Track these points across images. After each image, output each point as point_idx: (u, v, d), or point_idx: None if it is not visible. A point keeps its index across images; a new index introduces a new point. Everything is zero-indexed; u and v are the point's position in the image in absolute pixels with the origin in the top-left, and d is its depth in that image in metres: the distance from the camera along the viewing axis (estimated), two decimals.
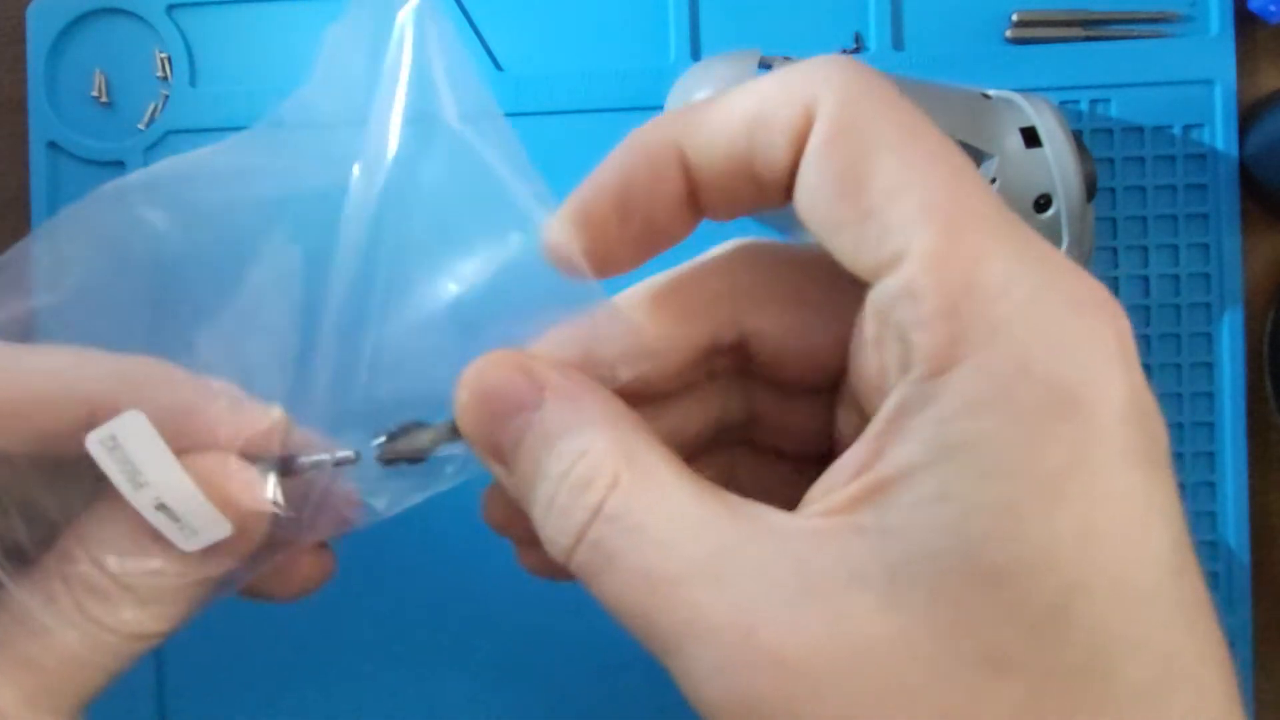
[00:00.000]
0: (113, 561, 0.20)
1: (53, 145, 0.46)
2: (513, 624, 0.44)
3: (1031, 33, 0.44)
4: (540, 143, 0.45)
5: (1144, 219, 0.43)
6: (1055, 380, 0.16)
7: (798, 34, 0.44)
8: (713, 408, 0.23)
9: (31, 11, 0.46)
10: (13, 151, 0.47)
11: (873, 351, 0.18)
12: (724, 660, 0.16)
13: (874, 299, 0.17)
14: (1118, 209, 0.43)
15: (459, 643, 0.44)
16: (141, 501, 0.19)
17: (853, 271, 0.18)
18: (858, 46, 0.44)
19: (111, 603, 0.20)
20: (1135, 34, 0.43)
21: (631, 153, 0.20)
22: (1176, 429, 0.43)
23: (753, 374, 0.22)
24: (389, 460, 0.21)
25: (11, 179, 0.47)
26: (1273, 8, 0.41)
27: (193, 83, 0.46)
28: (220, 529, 0.20)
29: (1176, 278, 0.43)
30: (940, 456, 0.16)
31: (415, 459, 0.21)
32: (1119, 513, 0.16)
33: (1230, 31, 0.43)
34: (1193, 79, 0.43)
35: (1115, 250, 0.43)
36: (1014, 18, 0.44)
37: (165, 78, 0.46)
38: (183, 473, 0.19)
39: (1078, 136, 0.43)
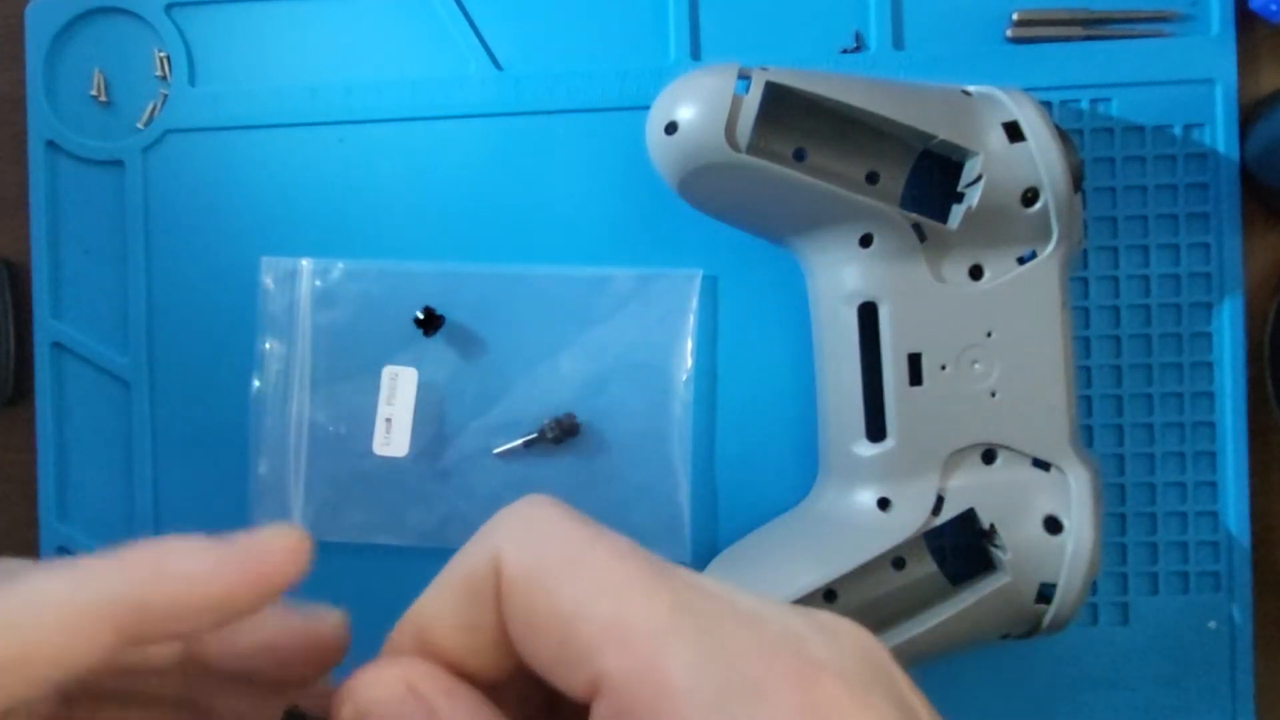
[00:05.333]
0: None
1: (51, 144, 0.46)
2: None
3: (1032, 32, 0.44)
4: (540, 143, 0.45)
5: (1145, 218, 0.43)
6: None
7: (797, 34, 0.44)
8: None
9: (30, 10, 0.46)
10: (11, 151, 0.47)
11: None
12: None
13: None
14: (1118, 208, 0.43)
15: None
16: None
17: (581, 703, 0.18)
18: (858, 46, 0.44)
19: None
20: (1136, 33, 0.43)
21: (387, 658, 0.20)
22: (1178, 429, 0.43)
23: None
24: None
25: (10, 178, 0.47)
26: (1274, 7, 0.41)
27: (192, 82, 0.46)
28: None
29: (1177, 277, 0.43)
30: None
31: None
32: None
33: (1231, 31, 0.43)
34: (1193, 78, 0.43)
35: (1116, 250, 0.43)
36: (1014, 17, 0.44)
37: (164, 77, 0.46)
38: None
39: (1067, 130, 0.43)
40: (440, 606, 0.20)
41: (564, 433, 0.43)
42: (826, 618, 0.19)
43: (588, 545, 0.19)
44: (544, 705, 0.22)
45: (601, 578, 0.18)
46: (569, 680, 0.18)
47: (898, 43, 0.44)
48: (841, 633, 0.18)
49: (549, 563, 0.19)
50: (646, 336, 0.44)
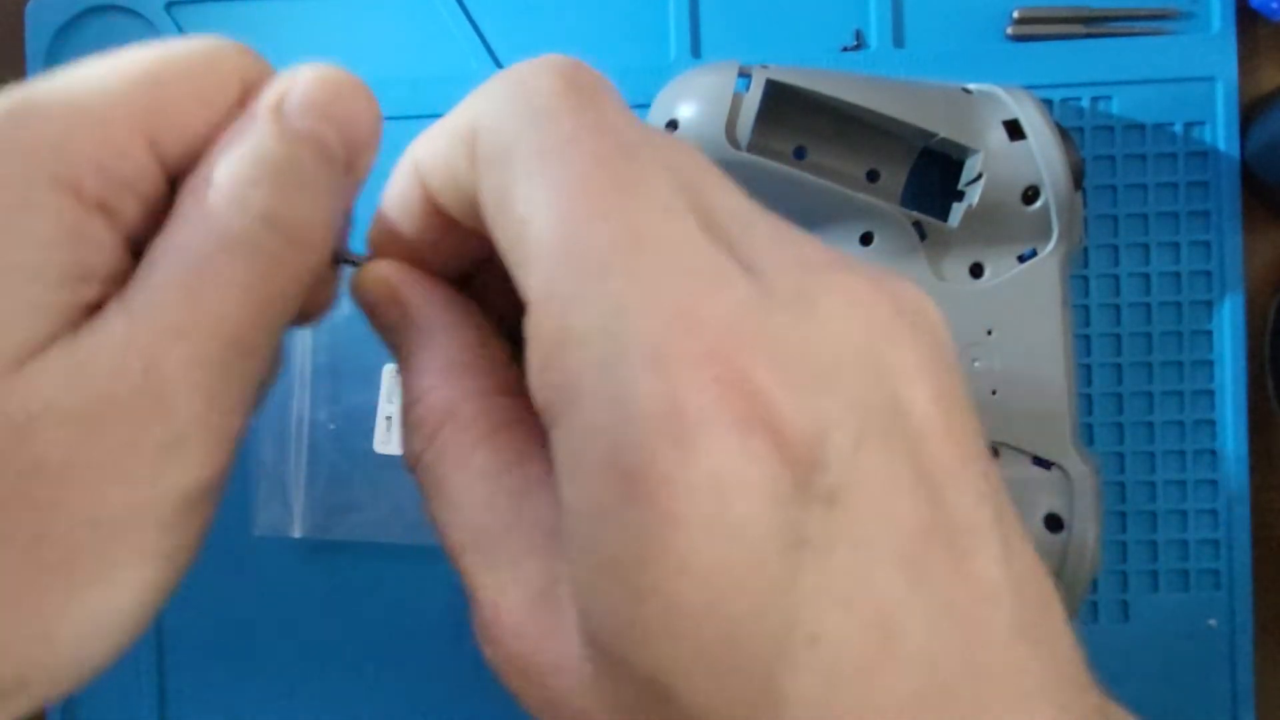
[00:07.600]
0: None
1: None
2: None
3: (1032, 30, 0.44)
4: None
5: (1145, 216, 0.43)
6: (618, 458, 0.14)
7: (798, 32, 0.44)
8: None
9: (30, 8, 0.46)
10: None
11: None
12: (484, 632, 0.18)
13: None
14: (1119, 206, 0.43)
15: (459, 645, 0.44)
16: None
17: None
18: (858, 44, 0.44)
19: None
20: (1137, 31, 0.43)
21: (393, 180, 0.21)
22: (1178, 427, 0.43)
23: None
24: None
25: None
26: (1275, 4, 0.41)
27: None
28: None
29: (1178, 275, 0.43)
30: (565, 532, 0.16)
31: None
32: (709, 599, 0.14)
33: (1232, 29, 0.43)
34: (1194, 76, 0.43)
35: (1116, 248, 0.43)
36: (1015, 15, 0.44)
37: None
38: None
39: (1068, 128, 0.43)
40: (431, 149, 0.19)
41: None
42: (901, 284, 0.18)
43: (568, 139, 0.16)
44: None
45: (561, 183, 0.16)
46: (517, 280, 0.17)
47: (898, 41, 0.44)
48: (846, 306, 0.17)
49: (518, 152, 0.16)
50: None
